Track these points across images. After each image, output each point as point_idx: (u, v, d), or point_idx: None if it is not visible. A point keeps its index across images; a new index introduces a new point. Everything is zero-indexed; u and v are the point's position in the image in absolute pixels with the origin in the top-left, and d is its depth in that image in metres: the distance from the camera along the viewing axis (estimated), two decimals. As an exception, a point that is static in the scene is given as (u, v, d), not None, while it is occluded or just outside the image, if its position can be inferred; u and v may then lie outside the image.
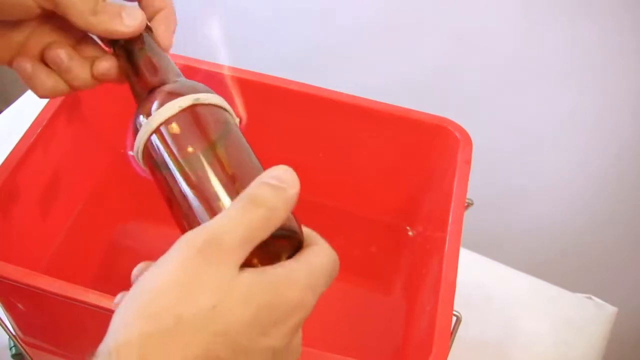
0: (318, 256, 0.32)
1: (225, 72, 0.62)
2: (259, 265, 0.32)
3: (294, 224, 0.33)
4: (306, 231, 0.34)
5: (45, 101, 0.58)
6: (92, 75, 0.41)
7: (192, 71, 0.60)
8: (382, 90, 0.76)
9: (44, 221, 0.60)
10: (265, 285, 0.30)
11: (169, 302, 0.28)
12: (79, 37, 0.41)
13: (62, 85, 0.41)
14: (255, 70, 0.63)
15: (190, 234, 0.30)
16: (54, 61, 0.40)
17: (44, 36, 0.40)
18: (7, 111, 0.86)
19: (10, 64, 0.41)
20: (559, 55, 0.96)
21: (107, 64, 0.41)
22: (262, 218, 0.30)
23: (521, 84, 1.01)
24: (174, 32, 0.42)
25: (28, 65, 0.40)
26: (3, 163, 0.53)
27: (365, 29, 1.07)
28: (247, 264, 0.30)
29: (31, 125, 0.56)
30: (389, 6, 1.02)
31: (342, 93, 0.62)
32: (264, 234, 0.30)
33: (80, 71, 0.40)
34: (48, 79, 0.40)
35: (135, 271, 0.32)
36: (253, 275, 0.30)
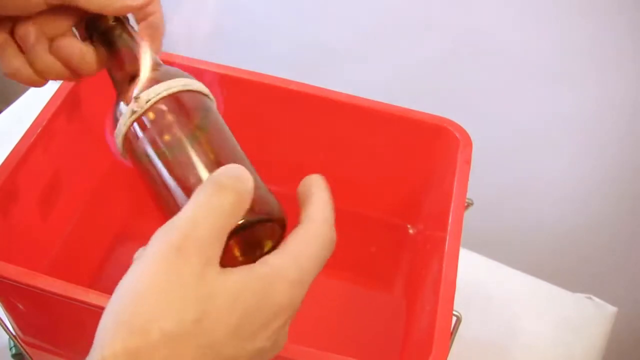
0: (308, 244, 0.31)
1: (226, 72, 0.62)
2: (241, 255, 0.31)
3: (266, 208, 0.32)
4: (306, 198, 0.33)
5: (45, 101, 0.58)
6: (54, 54, 0.40)
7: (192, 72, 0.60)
8: (382, 90, 0.76)
9: (45, 221, 0.60)
10: (251, 290, 0.29)
11: (153, 314, 0.27)
12: (62, 30, 0.41)
13: (26, 70, 0.40)
14: (255, 70, 0.63)
15: (163, 230, 0.29)
16: (21, 37, 0.39)
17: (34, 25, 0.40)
18: (7, 111, 0.86)
19: None
20: (558, 55, 0.96)
21: (69, 44, 0.40)
22: (231, 202, 0.30)
23: (521, 84, 1.01)
24: (161, 38, 0.42)
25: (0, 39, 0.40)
26: (3, 163, 0.53)
27: (365, 29, 1.07)
28: (228, 255, 0.30)
29: (31, 125, 0.56)
30: (388, 6, 1.02)
31: (342, 93, 0.62)
32: (235, 220, 0.30)
33: (43, 53, 0.40)
34: (15, 59, 0.40)
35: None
36: (237, 277, 0.29)
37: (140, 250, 0.31)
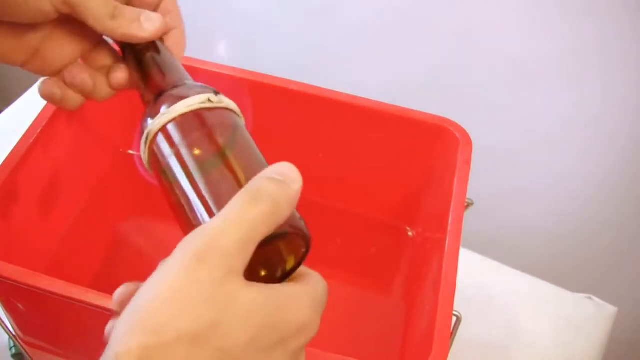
0: (318, 282, 0.32)
1: (226, 72, 0.62)
2: (263, 269, 0.31)
3: (299, 222, 0.32)
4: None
5: (45, 101, 0.58)
6: (110, 87, 0.42)
7: (193, 72, 0.60)
8: (382, 90, 0.76)
9: (44, 221, 0.60)
10: (269, 305, 0.29)
11: (169, 315, 0.27)
12: (95, 41, 0.42)
13: (82, 99, 0.43)
14: (256, 70, 0.63)
15: (188, 238, 0.29)
16: (79, 86, 0.41)
17: (59, 40, 0.40)
18: (7, 111, 0.86)
19: (23, 65, 0.41)
20: (558, 55, 0.96)
21: (122, 75, 0.42)
22: (265, 213, 0.29)
23: (521, 84, 1.01)
24: (183, 52, 0.43)
25: (57, 91, 0.41)
26: (3, 163, 0.53)
27: (365, 29, 1.07)
28: (252, 268, 0.29)
29: (31, 125, 0.56)
30: (389, 6, 1.02)
31: (342, 93, 0.62)
32: (266, 230, 0.30)
33: (103, 88, 0.42)
34: (76, 98, 0.42)
35: (115, 295, 0.32)
36: (257, 292, 0.29)
37: (164, 260, 0.31)
